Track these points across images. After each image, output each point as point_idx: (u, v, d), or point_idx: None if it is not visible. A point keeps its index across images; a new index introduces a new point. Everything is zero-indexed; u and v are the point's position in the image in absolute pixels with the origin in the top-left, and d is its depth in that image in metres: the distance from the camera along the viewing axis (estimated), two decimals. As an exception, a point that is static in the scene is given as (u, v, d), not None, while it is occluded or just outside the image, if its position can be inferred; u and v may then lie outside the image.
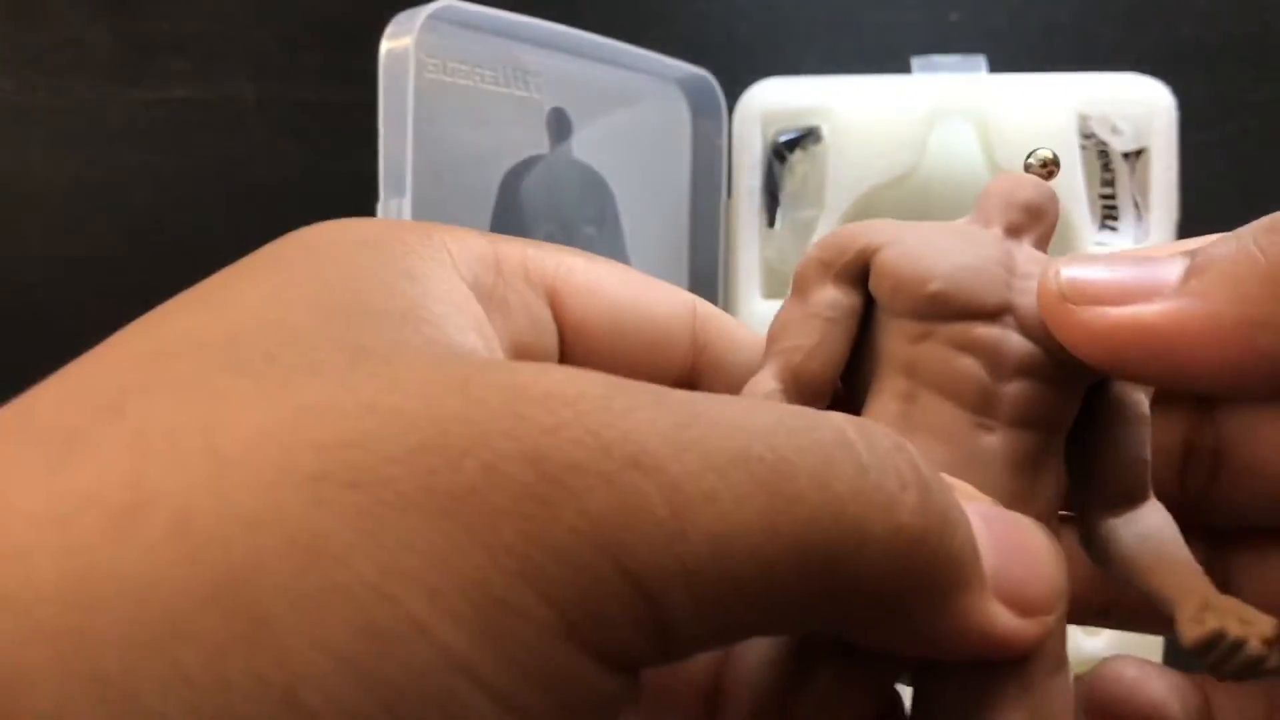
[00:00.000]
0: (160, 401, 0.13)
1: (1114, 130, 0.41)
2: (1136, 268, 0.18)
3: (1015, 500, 0.18)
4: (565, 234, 0.40)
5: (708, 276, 0.44)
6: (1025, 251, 0.20)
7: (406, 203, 0.34)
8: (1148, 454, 0.20)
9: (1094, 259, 0.19)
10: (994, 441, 0.19)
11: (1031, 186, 0.21)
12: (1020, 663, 0.17)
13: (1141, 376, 0.19)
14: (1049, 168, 0.21)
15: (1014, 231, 0.20)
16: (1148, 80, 0.41)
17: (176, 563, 0.12)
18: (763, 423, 0.15)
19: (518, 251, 0.20)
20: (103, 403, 0.13)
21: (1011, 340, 0.19)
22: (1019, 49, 0.49)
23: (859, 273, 0.20)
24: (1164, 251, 0.19)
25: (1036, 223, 0.20)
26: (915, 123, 0.42)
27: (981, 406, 0.19)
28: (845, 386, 0.20)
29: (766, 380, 0.20)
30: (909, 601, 0.15)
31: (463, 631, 0.12)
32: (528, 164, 0.39)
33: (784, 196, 0.42)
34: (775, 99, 0.43)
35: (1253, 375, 0.17)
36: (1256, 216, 0.20)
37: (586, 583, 0.13)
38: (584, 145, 0.41)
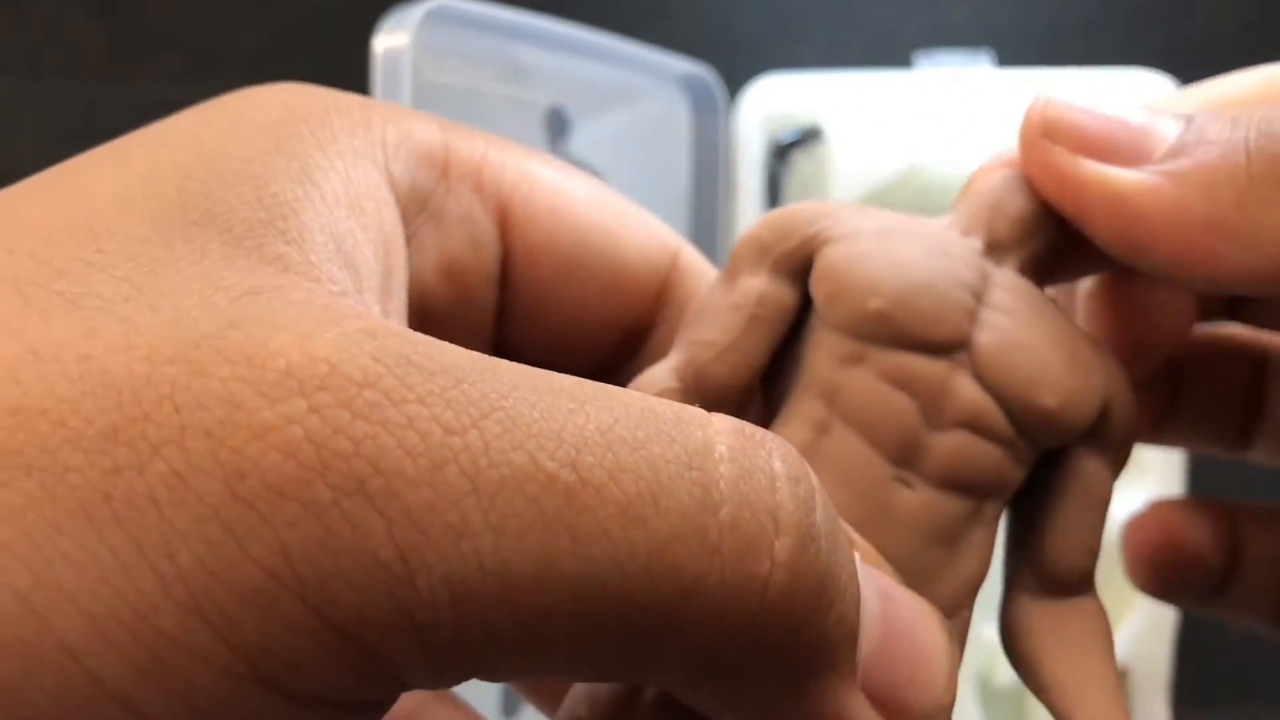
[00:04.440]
0: None
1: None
2: (1128, 126, 0.17)
3: (924, 577, 0.15)
4: (564, 234, 0.40)
5: (708, 277, 0.44)
6: (1005, 276, 0.16)
7: (403, 203, 0.34)
8: (1097, 540, 0.17)
9: (1092, 104, 0.17)
10: (912, 501, 0.15)
11: (1028, 194, 0.17)
12: None
13: (1097, 238, 0.17)
14: None
15: (996, 249, 0.17)
16: (1154, 76, 0.40)
17: None
18: (580, 427, 0.12)
19: (476, 153, 0.17)
20: None
21: (959, 383, 0.16)
22: (1024, 45, 0.48)
23: (800, 265, 0.17)
24: (1171, 107, 0.18)
25: (1028, 240, 0.17)
26: (919, 120, 0.41)
27: (905, 456, 0.16)
28: (763, 397, 0.17)
29: (663, 375, 0.17)
30: (755, 673, 0.13)
31: (121, 665, 0.11)
32: (526, 163, 0.39)
33: (785, 196, 0.42)
34: (776, 97, 0.42)
35: (1203, 277, 0.16)
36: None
37: (278, 629, 0.11)
38: (583, 144, 0.40)
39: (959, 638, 0.16)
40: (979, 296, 0.16)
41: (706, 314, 0.17)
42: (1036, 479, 0.17)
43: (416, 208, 0.16)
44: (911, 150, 0.41)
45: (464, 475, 0.11)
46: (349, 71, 0.40)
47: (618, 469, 0.12)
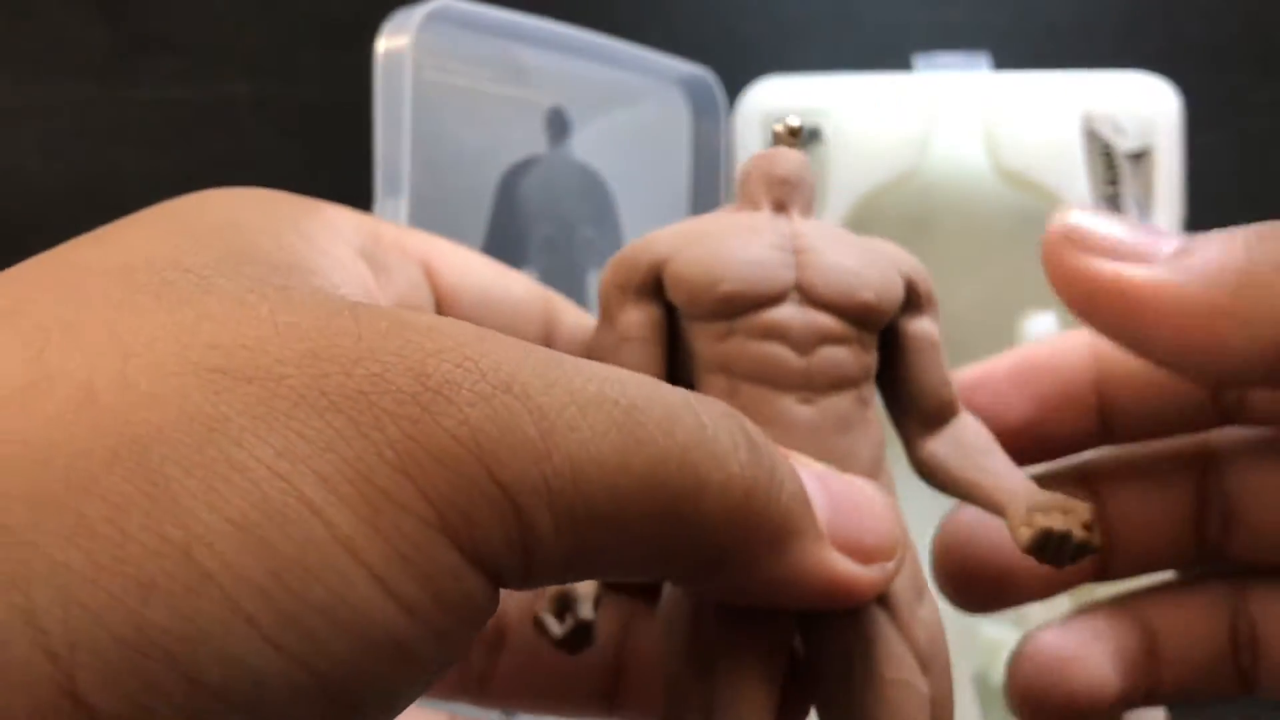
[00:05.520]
0: (62, 306, 0.14)
1: (1118, 130, 0.40)
2: (1139, 232, 0.20)
3: (844, 459, 0.20)
4: (563, 234, 0.40)
5: (708, 277, 0.43)
6: (798, 224, 0.22)
7: (403, 203, 0.34)
8: (946, 374, 0.22)
9: (1108, 216, 0.21)
10: (813, 412, 0.20)
11: (784, 160, 0.22)
12: (884, 601, 0.20)
13: (1108, 331, 0.21)
14: (796, 135, 0.23)
15: (780, 207, 0.22)
16: (1153, 79, 0.41)
17: (79, 428, 0.13)
18: (617, 375, 0.16)
19: (390, 228, 0.22)
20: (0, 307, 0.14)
21: (805, 314, 0.20)
22: (1022, 47, 0.48)
23: (653, 286, 0.21)
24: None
25: (797, 192, 0.22)
26: (918, 121, 0.41)
27: (795, 383, 0.20)
28: None
29: None
30: (749, 548, 0.17)
31: (349, 514, 0.13)
32: (526, 164, 0.39)
33: (785, 197, 0.42)
34: (776, 98, 0.42)
35: (1203, 362, 0.19)
36: (1263, 216, 0.20)
37: (462, 484, 0.14)
38: (583, 145, 0.40)
39: (889, 489, 0.21)
40: (790, 248, 0.21)
41: (603, 353, 0.21)
42: (886, 358, 0.22)
43: (369, 264, 0.20)
44: (911, 151, 0.41)
45: (566, 392, 0.15)
46: (349, 72, 0.40)
47: (647, 399, 0.16)
